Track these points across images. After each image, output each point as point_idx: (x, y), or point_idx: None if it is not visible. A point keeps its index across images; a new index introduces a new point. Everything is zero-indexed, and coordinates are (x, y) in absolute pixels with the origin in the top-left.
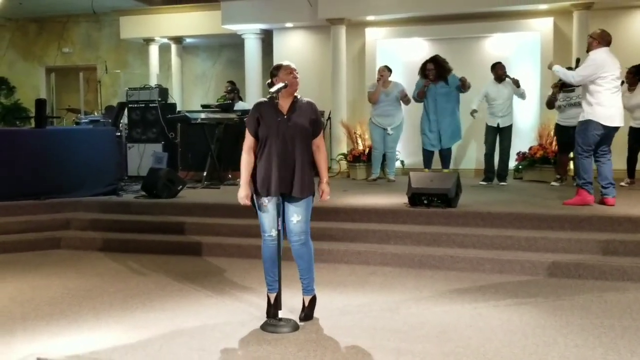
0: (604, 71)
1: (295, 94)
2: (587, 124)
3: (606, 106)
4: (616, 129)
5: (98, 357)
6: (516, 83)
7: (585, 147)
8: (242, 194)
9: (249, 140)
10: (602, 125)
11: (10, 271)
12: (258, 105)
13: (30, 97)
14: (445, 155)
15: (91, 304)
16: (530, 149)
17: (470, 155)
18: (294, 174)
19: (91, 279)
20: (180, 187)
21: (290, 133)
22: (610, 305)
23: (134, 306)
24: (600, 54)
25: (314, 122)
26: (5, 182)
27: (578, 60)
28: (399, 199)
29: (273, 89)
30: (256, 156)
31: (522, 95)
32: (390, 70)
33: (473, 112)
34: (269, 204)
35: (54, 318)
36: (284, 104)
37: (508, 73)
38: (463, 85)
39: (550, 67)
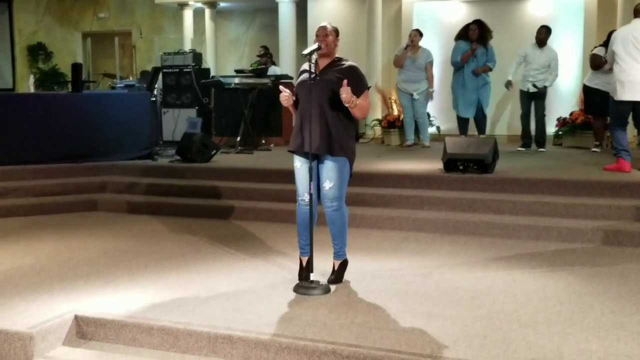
0: (617, 48)
1: (337, 56)
2: (611, 100)
3: (614, 80)
4: None
5: (134, 316)
6: (535, 87)
7: (616, 119)
8: (284, 96)
9: None
10: (618, 100)
11: (48, 231)
12: (300, 71)
13: (67, 63)
14: (481, 121)
15: (127, 265)
16: (571, 114)
17: (503, 121)
18: (325, 134)
19: (127, 240)
20: (214, 151)
21: (324, 90)
22: None
23: (168, 268)
24: (618, 31)
25: (350, 82)
26: (43, 145)
27: (610, 33)
28: (433, 165)
29: (305, 51)
30: None
31: (550, 83)
32: (421, 35)
33: (508, 83)
34: (301, 167)
35: (91, 278)
36: (321, 65)
37: (550, 42)
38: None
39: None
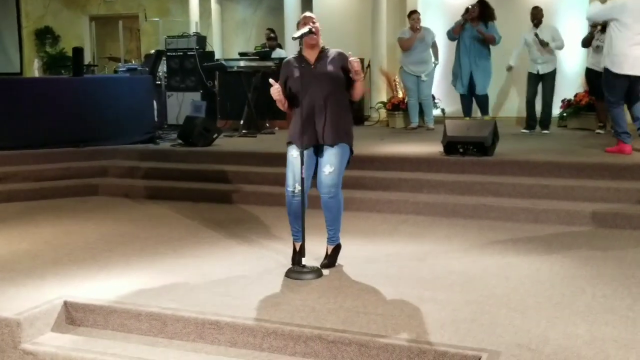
0: (620, 15)
1: (322, 46)
2: (606, 73)
3: (616, 54)
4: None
5: (123, 301)
6: (542, 44)
7: (613, 98)
8: (275, 90)
9: None
10: (615, 73)
11: (47, 216)
12: (285, 65)
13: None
14: (482, 102)
15: (123, 249)
16: (575, 95)
17: (511, 103)
18: (325, 122)
19: (125, 225)
20: (216, 135)
21: (319, 82)
22: None
23: (163, 252)
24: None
25: (345, 69)
26: (44, 129)
27: None
28: (435, 148)
29: (296, 34)
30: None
31: (557, 48)
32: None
33: (509, 68)
34: (298, 157)
35: (86, 263)
36: (311, 57)
37: (551, 17)
38: (484, 38)
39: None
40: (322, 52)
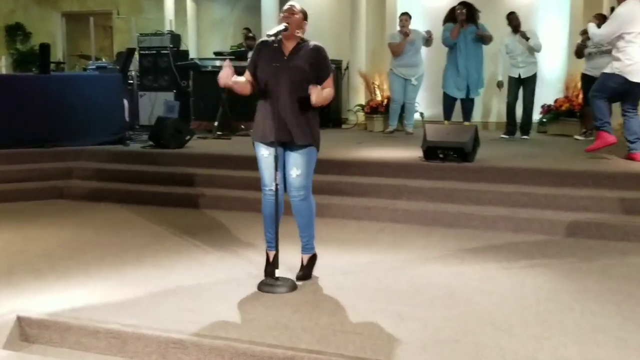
0: (631, 27)
1: (302, 37)
2: (610, 76)
3: (633, 62)
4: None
5: (80, 317)
6: (523, 36)
7: (599, 92)
8: (223, 73)
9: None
10: (625, 79)
11: (6, 221)
12: (259, 46)
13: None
14: (468, 108)
15: (83, 258)
16: (555, 101)
17: (492, 108)
18: (293, 120)
19: (87, 230)
20: (189, 137)
21: (290, 76)
22: (632, 269)
23: (126, 261)
24: (627, 8)
25: (315, 66)
26: (8, 129)
27: (612, 9)
28: (414, 153)
29: (271, 32)
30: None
31: (536, 47)
32: (410, 17)
33: (499, 83)
34: (269, 155)
35: (42, 273)
36: (286, 48)
37: (531, 22)
38: (483, 38)
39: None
40: (299, 45)
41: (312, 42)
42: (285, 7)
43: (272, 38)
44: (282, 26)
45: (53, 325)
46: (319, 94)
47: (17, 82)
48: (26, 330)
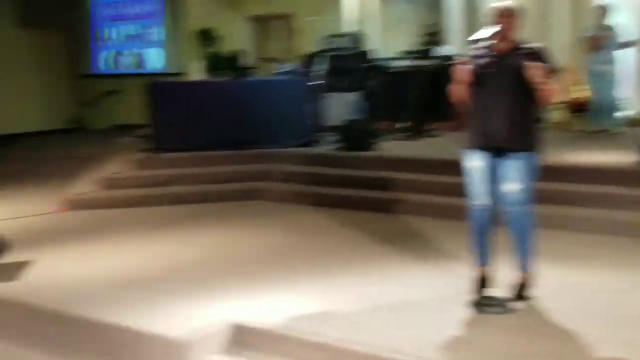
0: None
1: (517, 39)
2: None
3: None
4: None
5: (292, 327)
6: None
7: None
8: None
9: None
10: None
11: (212, 222)
12: (472, 49)
13: (236, 47)
14: None
15: (290, 263)
16: None
17: None
18: (515, 126)
19: (292, 235)
20: (378, 138)
21: (508, 79)
22: None
23: (329, 269)
24: None
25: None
26: (206, 132)
27: None
28: (627, 156)
29: (479, 36)
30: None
31: None
32: (606, 11)
33: None
34: (482, 166)
35: (251, 277)
36: (501, 49)
37: None
38: None
39: None
40: (516, 46)
41: (531, 44)
42: (499, 7)
43: (485, 42)
44: (490, 32)
45: (267, 334)
46: (539, 67)
47: (214, 87)
48: (241, 337)
